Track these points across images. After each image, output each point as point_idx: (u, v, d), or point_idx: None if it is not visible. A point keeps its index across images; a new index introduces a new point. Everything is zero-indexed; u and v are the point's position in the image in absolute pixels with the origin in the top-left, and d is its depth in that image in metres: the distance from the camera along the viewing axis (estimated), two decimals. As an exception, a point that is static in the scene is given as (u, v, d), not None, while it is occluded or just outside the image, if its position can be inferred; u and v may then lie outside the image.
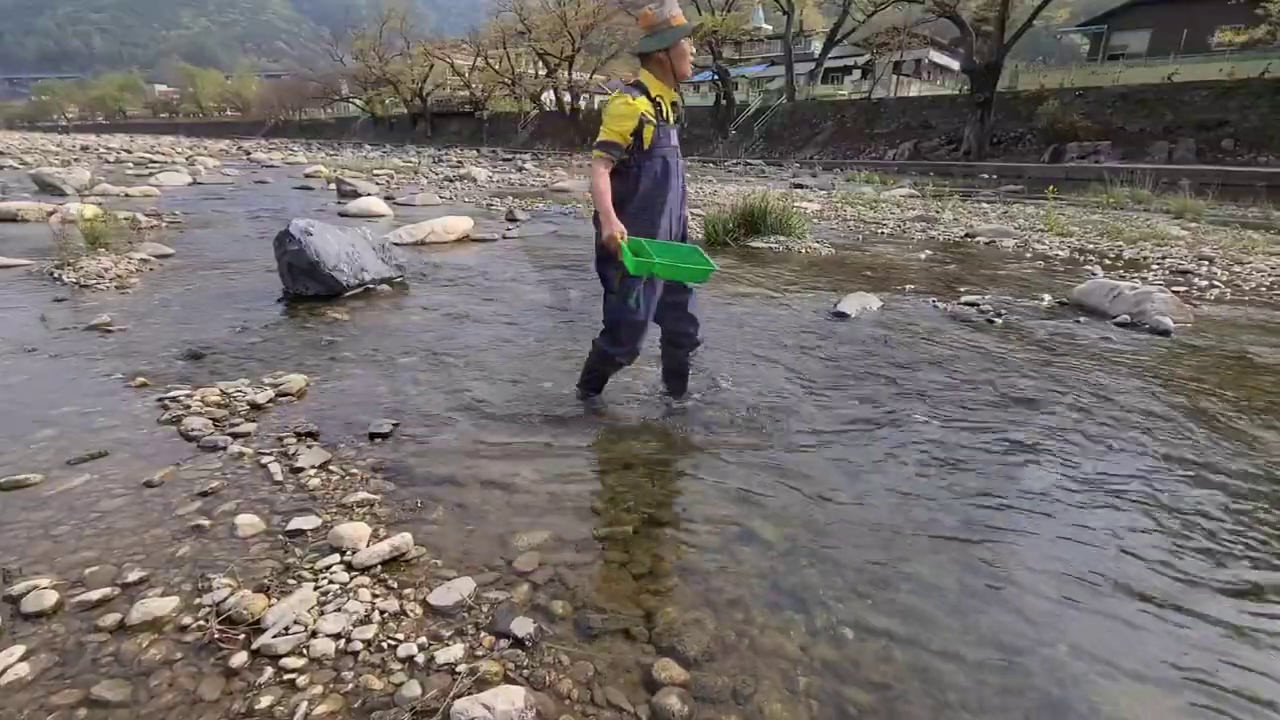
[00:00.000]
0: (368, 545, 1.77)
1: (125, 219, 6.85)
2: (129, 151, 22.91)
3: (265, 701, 1.29)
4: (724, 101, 34.81)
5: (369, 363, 3.27)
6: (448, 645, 1.45)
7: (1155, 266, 6.29)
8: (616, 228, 2.18)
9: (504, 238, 7.29)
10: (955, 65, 34.53)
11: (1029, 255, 6.94)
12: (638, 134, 2.26)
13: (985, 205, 12.00)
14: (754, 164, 25.20)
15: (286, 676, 1.35)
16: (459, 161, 22.79)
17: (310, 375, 3.02)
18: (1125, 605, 1.67)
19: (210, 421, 2.51)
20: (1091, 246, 7.40)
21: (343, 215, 8.39)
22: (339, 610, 1.54)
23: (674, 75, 2.32)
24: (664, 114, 2.33)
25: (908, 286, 5.24)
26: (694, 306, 2.63)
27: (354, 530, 1.81)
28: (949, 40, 36.23)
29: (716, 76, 35.20)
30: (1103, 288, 4.73)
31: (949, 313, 4.49)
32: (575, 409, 2.75)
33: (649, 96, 2.28)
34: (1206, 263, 6.40)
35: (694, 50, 2.34)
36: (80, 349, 3.30)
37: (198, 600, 1.56)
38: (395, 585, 1.65)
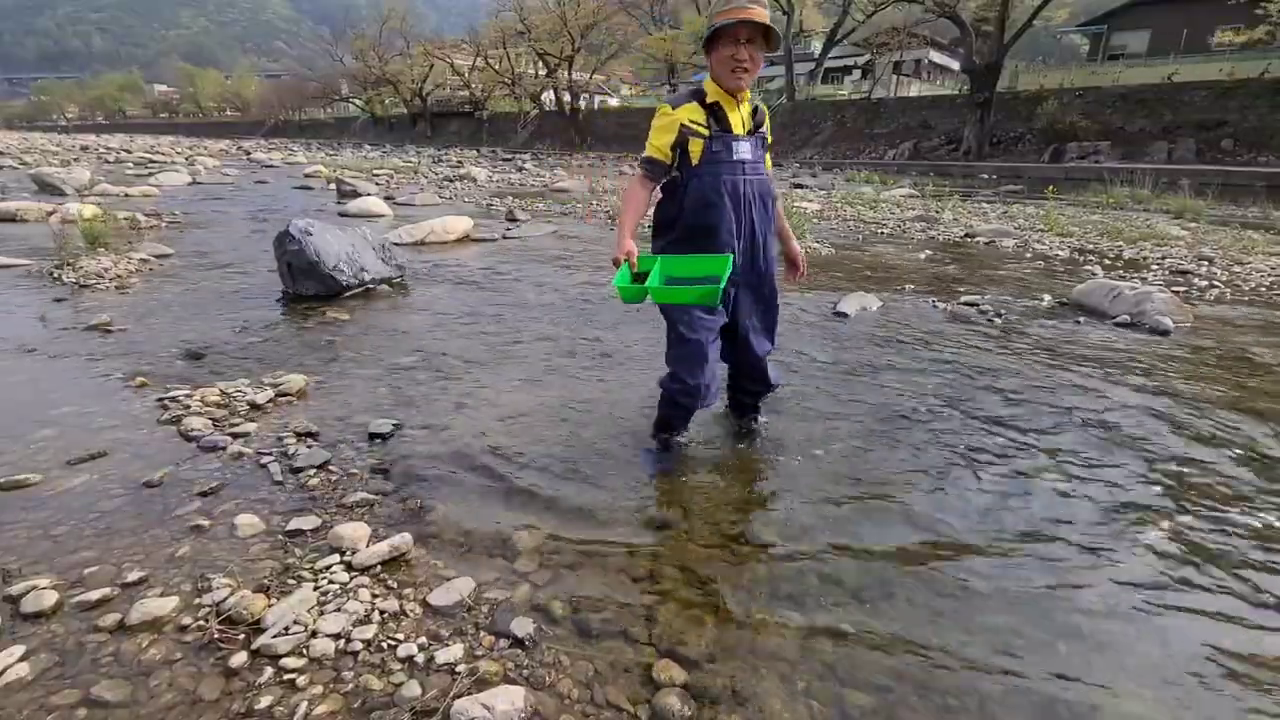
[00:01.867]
0: (367, 545, 1.77)
1: (125, 219, 6.85)
2: (128, 151, 22.92)
3: (265, 701, 1.29)
4: (724, 101, 34.72)
5: (369, 363, 3.27)
6: (447, 645, 1.45)
7: (1155, 266, 6.29)
8: (621, 249, 1.88)
9: (504, 238, 7.29)
10: (955, 65, 34.54)
11: (1029, 255, 6.94)
12: (682, 148, 1.98)
13: (985, 205, 12.00)
14: (754, 164, 25.14)
15: (286, 676, 1.35)
16: (459, 161, 22.79)
17: (310, 375, 3.02)
18: (1123, 605, 1.67)
19: (210, 421, 2.51)
20: (1091, 246, 7.41)
21: (343, 215, 8.39)
22: (339, 610, 1.54)
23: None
24: (726, 124, 1.98)
25: (907, 286, 5.24)
26: (761, 345, 2.27)
27: (354, 530, 1.81)
28: (949, 40, 36.24)
29: (716, 76, 35.11)
30: (1102, 288, 4.73)
31: (949, 312, 4.49)
32: (576, 409, 2.75)
33: (704, 103, 1.97)
34: (1206, 263, 6.40)
35: (748, 59, 1.90)
36: (80, 349, 3.30)
37: (197, 600, 1.56)
38: (395, 585, 1.65)
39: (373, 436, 2.45)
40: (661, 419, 2.36)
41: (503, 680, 1.36)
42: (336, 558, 1.73)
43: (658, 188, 2.11)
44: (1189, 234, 8.22)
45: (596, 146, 35.73)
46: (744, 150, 2.02)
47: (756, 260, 2.17)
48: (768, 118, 2.15)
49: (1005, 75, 25.22)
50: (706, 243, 2.05)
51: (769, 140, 2.18)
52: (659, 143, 1.98)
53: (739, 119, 2.02)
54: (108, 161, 18.20)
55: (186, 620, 1.50)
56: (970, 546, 1.90)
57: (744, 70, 1.90)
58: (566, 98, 40.94)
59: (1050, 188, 14.33)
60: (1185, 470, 2.38)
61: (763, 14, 1.86)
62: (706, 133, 1.96)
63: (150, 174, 13.75)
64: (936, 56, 39.07)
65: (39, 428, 2.41)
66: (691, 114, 1.96)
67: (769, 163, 2.20)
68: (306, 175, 15.04)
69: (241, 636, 1.45)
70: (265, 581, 1.63)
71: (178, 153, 23.07)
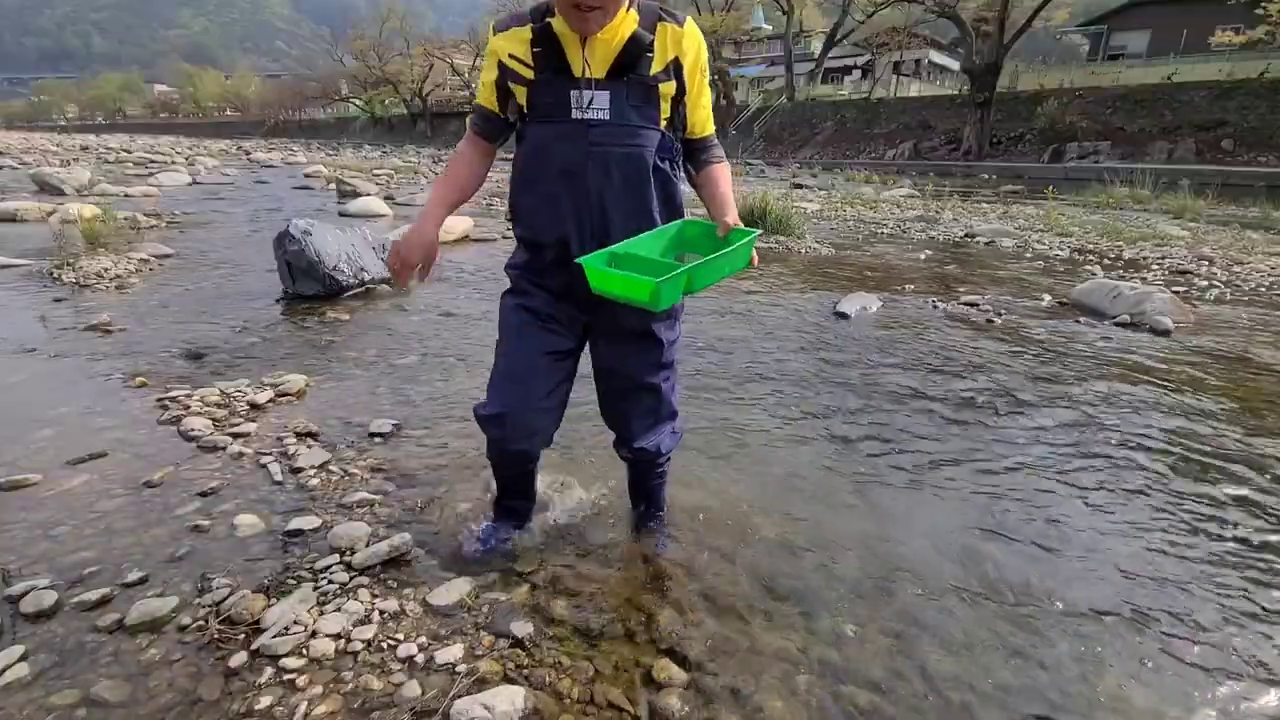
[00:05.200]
0: (367, 545, 1.77)
1: (125, 219, 6.85)
2: (128, 151, 22.90)
3: (265, 702, 1.29)
4: (724, 101, 34.83)
5: (369, 363, 3.27)
6: (447, 645, 1.45)
7: (1155, 266, 6.29)
8: (410, 239, 1.40)
9: (504, 237, 7.28)
10: (955, 65, 34.55)
11: (1029, 255, 6.94)
12: (512, 95, 1.40)
13: (985, 205, 12.00)
14: (754, 164, 25.20)
15: (286, 677, 1.35)
16: (459, 161, 22.70)
17: (310, 375, 3.02)
18: (1122, 606, 1.67)
19: (210, 421, 2.50)
20: (1091, 246, 7.40)
21: (343, 215, 8.39)
22: (338, 610, 1.53)
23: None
24: (563, 62, 1.33)
25: (908, 286, 5.24)
26: (649, 388, 1.60)
27: (353, 530, 1.81)
28: (949, 40, 36.26)
29: (716, 76, 35.23)
30: (1103, 288, 4.73)
31: (949, 313, 4.50)
32: (575, 407, 2.74)
33: (544, 32, 1.32)
34: (1206, 263, 6.40)
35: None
36: (80, 349, 3.30)
37: (197, 600, 1.56)
38: (395, 585, 1.65)
39: (373, 436, 2.45)
40: (496, 475, 1.80)
41: (503, 680, 1.36)
42: (336, 558, 1.73)
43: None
44: (1189, 234, 8.22)
45: (596, 146, 35.66)
46: (595, 103, 1.34)
47: None
48: (683, 41, 1.37)
49: (1005, 75, 25.24)
50: (530, 248, 1.50)
51: (681, 85, 1.39)
52: (484, 81, 1.43)
53: (586, 57, 1.32)
54: (108, 161, 18.18)
55: (186, 620, 1.50)
56: (966, 547, 1.90)
57: (591, 9, 1.25)
58: (566, 98, 40.87)
59: (1050, 188, 14.33)
60: (1186, 470, 2.38)
61: None
62: (530, 75, 1.35)
63: (150, 174, 13.74)
64: (936, 56, 39.08)
65: (39, 428, 2.41)
66: (514, 45, 1.34)
67: (701, 120, 1.47)
68: (306, 175, 15.02)
69: (241, 636, 1.45)
70: (265, 581, 1.63)
71: (178, 153, 23.06)
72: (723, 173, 1.52)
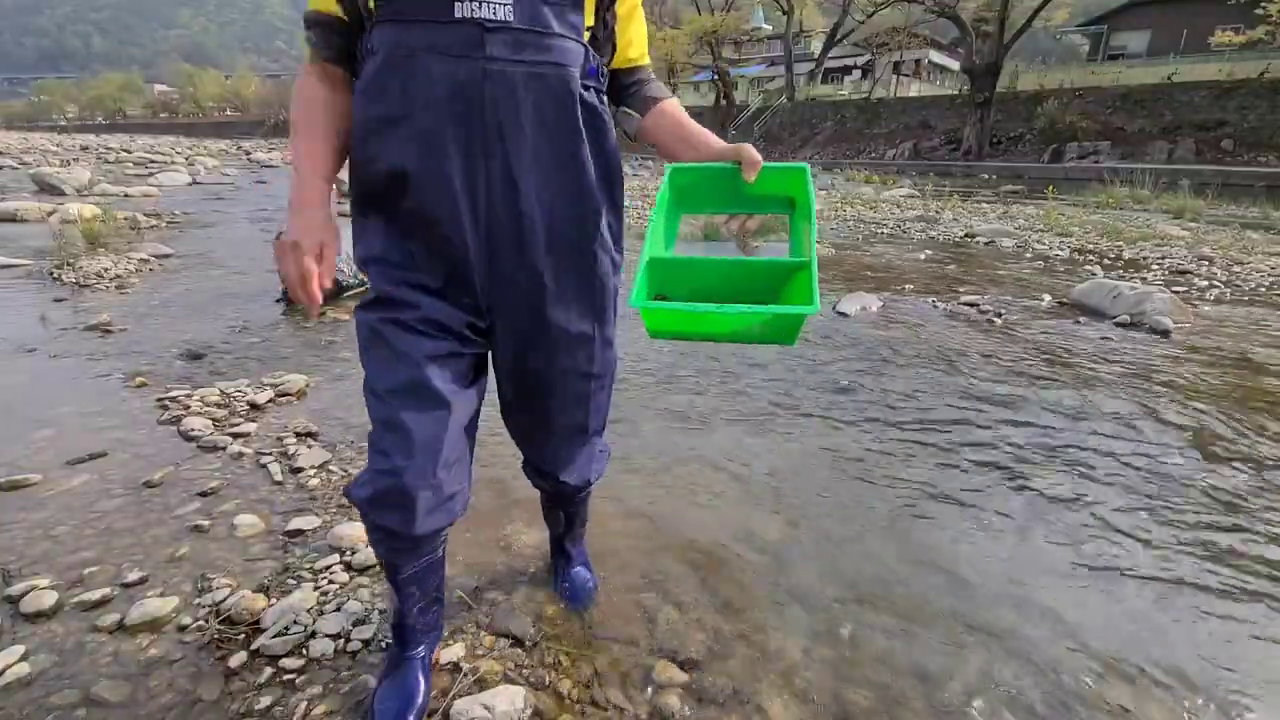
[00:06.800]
0: (367, 545, 1.77)
1: (125, 219, 6.85)
2: (128, 151, 22.89)
3: (265, 701, 1.29)
4: (723, 101, 34.85)
5: (369, 363, 3.27)
6: (448, 645, 1.45)
7: (1155, 266, 6.29)
8: (297, 234, 1.01)
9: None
10: (955, 65, 34.58)
11: (1029, 255, 6.94)
12: None
13: (985, 205, 12.01)
14: (754, 164, 25.16)
15: (286, 677, 1.35)
16: (459, 161, 22.69)
17: (310, 375, 3.02)
18: (1121, 606, 1.68)
19: (210, 421, 2.51)
20: (1091, 246, 7.40)
21: (342, 215, 8.37)
22: (338, 610, 1.54)
23: None
24: None
25: (907, 286, 5.24)
26: (576, 399, 1.21)
27: (354, 530, 1.81)
28: (949, 40, 36.30)
29: (716, 76, 35.28)
30: (1102, 288, 4.73)
31: (949, 312, 4.49)
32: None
33: None
34: (1206, 263, 6.40)
35: None
36: (80, 349, 3.30)
37: (197, 600, 1.56)
38: (395, 585, 1.65)
39: (373, 436, 2.45)
40: (382, 563, 1.19)
41: (503, 680, 1.36)
42: (336, 558, 1.73)
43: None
44: (1189, 234, 8.22)
45: (596, 146, 35.66)
46: (489, 10, 0.89)
47: (527, 255, 1.02)
48: None
49: (1005, 75, 25.25)
50: (381, 217, 1.07)
51: None
52: None
53: None
54: (108, 161, 18.17)
55: (186, 620, 1.50)
56: (965, 549, 1.90)
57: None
58: (566, 98, 40.86)
59: (1050, 187, 14.33)
60: (1185, 471, 2.38)
61: None
62: None
63: (150, 174, 13.75)
64: (936, 56, 39.11)
65: (39, 428, 2.41)
66: None
67: (638, 39, 1.10)
68: (306, 175, 14.98)
69: (241, 636, 1.45)
70: (265, 581, 1.63)
71: (177, 152, 23.04)
72: (679, 106, 1.15)
